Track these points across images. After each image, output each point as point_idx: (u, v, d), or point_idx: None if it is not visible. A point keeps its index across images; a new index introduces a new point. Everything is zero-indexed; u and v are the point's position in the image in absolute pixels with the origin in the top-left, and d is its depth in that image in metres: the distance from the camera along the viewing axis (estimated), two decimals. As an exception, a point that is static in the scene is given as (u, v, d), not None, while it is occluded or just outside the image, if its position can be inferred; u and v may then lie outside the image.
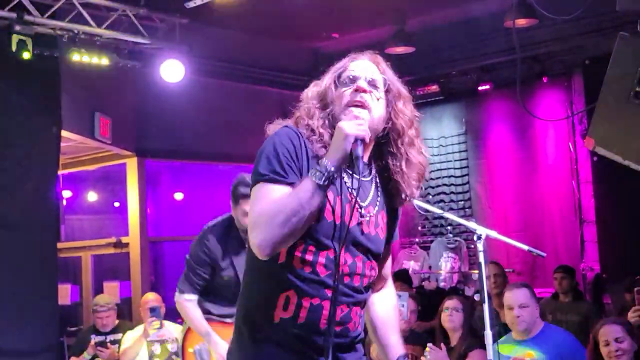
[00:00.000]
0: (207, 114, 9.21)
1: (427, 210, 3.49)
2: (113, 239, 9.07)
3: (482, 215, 9.72)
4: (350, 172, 2.33)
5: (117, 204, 10.40)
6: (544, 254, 3.38)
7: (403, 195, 2.43)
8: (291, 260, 2.27)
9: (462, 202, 10.15)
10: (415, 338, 5.30)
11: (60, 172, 7.34)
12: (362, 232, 2.35)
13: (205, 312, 4.49)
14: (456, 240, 9.97)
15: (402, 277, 8.09)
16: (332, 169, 2.18)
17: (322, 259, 2.27)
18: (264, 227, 2.17)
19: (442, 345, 4.96)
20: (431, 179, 10.44)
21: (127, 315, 8.55)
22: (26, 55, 6.36)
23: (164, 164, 10.29)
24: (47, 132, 6.98)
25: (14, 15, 6.31)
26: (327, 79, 2.42)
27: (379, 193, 2.44)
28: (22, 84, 6.71)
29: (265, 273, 2.32)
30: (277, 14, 8.33)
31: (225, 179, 10.85)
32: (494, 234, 3.29)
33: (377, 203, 2.42)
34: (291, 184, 2.23)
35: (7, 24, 6.34)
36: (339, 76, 2.39)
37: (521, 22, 7.53)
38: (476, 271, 9.06)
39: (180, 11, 7.42)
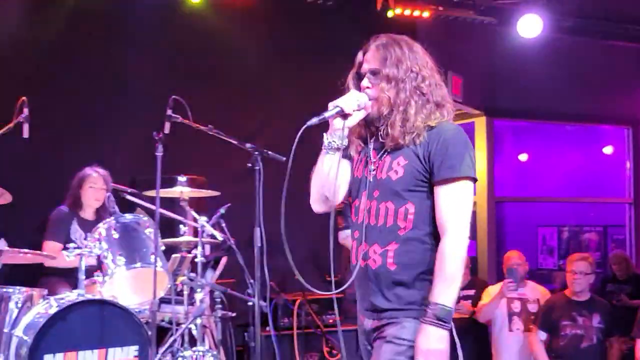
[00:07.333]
0: (560, 72, 8.77)
1: None
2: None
3: None
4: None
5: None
6: None
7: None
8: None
9: None
10: None
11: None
12: (376, 178, 2.69)
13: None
14: None
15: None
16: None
17: (355, 207, 2.76)
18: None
19: None
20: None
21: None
22: (390, 13, 6.60)
23: (508, 123, 10.10)
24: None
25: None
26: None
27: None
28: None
29: None
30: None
31: (572, 140, 10.40)
32: None
33: (387, 150, 2.68)
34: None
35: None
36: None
37: None
38: None
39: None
